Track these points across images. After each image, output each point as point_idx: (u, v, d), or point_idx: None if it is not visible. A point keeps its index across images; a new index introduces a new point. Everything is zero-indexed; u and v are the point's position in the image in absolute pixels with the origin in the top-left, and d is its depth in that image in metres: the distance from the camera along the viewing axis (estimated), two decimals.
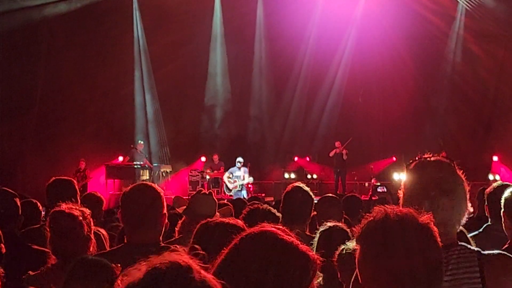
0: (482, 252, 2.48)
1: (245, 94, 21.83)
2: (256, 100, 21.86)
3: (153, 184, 3.60)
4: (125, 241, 3.61)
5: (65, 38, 20.47)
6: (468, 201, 2.56)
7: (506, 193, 3.65)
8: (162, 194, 3.53)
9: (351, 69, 21.46)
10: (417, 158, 2.67)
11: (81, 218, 3.55)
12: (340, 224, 4.06)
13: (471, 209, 2.57)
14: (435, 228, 2.07)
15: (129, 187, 3.58)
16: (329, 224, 3.98)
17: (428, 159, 2.61)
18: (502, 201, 3.63)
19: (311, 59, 21.53)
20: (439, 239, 2.05)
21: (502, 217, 3.63)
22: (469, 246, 2.54)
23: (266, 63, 21.73)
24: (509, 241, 3.56)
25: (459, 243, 2.53)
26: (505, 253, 2.55)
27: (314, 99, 21.57)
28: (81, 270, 2.90)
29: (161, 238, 3.52)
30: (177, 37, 20.90)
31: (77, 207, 3.61)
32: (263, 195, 18.04)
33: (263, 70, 21.83)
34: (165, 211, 3.51)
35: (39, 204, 5.81)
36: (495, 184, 4.47)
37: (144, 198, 3.42)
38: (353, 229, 2.20)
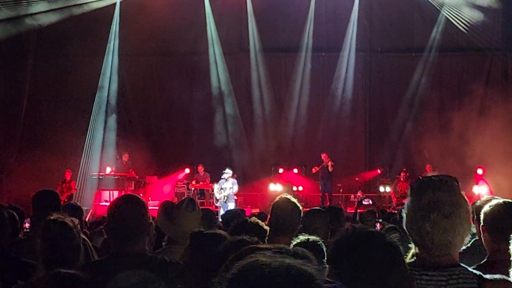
0: (484, 276, 2.51)
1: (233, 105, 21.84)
2: (243, 112, 21.84)
3: (137, 195, 3.62)
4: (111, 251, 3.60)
5: (51, 48, 20.43)
6: (470, 223, 2.58)
7: (485, 207, 3.63)
8: (146, 204, 3.56)
9: (337, 81, 21.56)
10: (421, 177, 2.68)
11: (72, 227, 3.54)
12: (313, 237, 4.01)
13: (474, 230, 2.59)
14: (400, 248, 2.12)
15: (114, 199, 3.60)
16: (301, 237, 3.93)
17: (432, 178, 2.61)
18: (481, 215, 3.56)
19: (301, 72, 21.60)
20: (405, 259, 2.12)
21: (481, 231, 3.57)
22: (470, 268, 2.57)
23: (264, 75, 21.76)
24: (487, 256, 3.55)
25: (461, 264, 2.55)
26: (507, 278, 2.58)
27: (300, 110, 21.57)
28: (54, 286, 2.86)
29: (147, 248, 3.54)
30: (159, 48, 21.03)
31: (66, 217, 3.61)
32: (249, 207, 17.99)
33: (255, 82, 21.85)
34: (150, 220, 3.53)
35: (15, 214, 5.77)
36: (483, 199, 4.43)
37: (129, 208, 3.43)
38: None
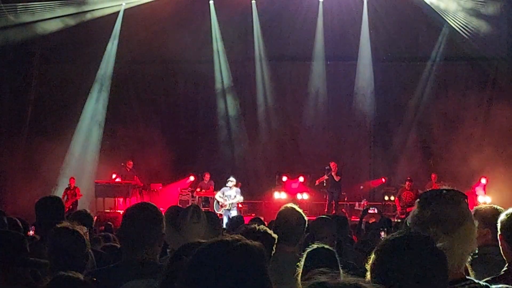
0: (490, 286, 2.50)
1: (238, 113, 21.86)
2: (247, 118, 21.86)
3: (154, 204, 3.60)
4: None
5: (56, 56, 20.48)
6: (473, 241, 2.55)
7: (502, 216, 3.58)
8: (162, 213, 3.55)
9: (341, 90, 21.56)
10: (429, 190, 2.70)
11: (81, 235, 3.54)
12: (327, 245, 4.02)
13: (476, 249, 2.56)
14: (446, 256, 2.14)
15: (131, 205, 3.60)
16: (315, 245, 3.96)
17: (439, 191, 2.60)
18: (498, 224, 3.52)
19: (306, 80, 21.61)
20: (448, 268, 2.13)
21: (499, 240, 3.54)
22: (476, 280, 2.55)
23: (268, 83, 21.76)
24: (507, 265, 3.48)
25: (467, 277, 2.53)
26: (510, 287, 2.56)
27: (305, 119, 21.56)
28: (58, 287, 2.85)
29: (158, 257, 3.52)
30: (163, 56, 21.07)
31: (75, 225, 3.61)
32: (253, 215, 17.92)
33: (260, 90, 21.87)
34: (164, 231, 3.51)
35: (19, 221, 5.79)
36: (483, 206, 4.36)
37: (145, 217, 3.43)
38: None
